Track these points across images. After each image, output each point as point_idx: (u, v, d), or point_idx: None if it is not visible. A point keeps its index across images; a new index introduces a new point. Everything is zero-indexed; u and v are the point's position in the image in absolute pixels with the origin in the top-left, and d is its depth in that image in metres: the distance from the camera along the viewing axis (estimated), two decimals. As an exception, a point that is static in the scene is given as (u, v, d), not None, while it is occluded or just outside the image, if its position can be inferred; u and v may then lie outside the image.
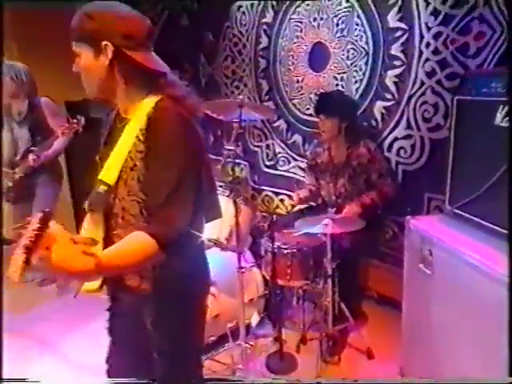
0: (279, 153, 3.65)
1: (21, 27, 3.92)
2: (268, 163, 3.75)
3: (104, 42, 1.28)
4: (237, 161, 3.56)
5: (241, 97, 2.52)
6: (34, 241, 1.02)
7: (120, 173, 1.32)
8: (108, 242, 1.34)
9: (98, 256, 1.14)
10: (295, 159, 3.56)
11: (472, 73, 2.28)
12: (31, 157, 3.23)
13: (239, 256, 2.35)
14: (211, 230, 2.40)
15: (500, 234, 1.71)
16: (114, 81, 1.34)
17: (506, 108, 1.67)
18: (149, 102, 1.32)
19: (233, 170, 2.37)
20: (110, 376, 1.74)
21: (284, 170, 3.64)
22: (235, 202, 2.29)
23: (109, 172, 1.34)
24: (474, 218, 1.87)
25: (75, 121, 3.04)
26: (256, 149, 3.83)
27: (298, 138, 3.52)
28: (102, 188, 1.33)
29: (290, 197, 3.54)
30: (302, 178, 3.43)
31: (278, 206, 3.66)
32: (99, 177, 1.35)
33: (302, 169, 3.45)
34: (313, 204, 3.19)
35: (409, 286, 2.14)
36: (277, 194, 3.71)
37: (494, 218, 1.76)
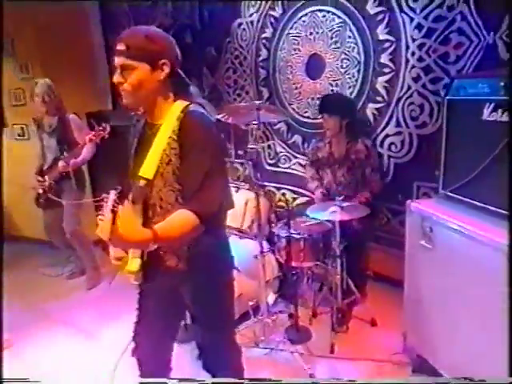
0: (280, 152, 3.75)
1: (44, 46, 3.98)
2: (270, 161, 3.86)
3: (162, 61, 1.43)
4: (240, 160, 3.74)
5: (258, 102, 2.66)
6: (115, 208, 1.18)
7: (157, 168, 1.45)
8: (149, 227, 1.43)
9: (154, 228, 1.31)
10: (295, 157, 3.65)
11: (460, 76, 2.42)
12: (61, 163, 3.30)
13: (261, 242, 2.49)
14: (235, 220, 2.52)
15: (488, 210, 1.87)
16: (159, 91, 1.49)
17: (492, 105, 1.84)
18: (177, 107, 1.48)
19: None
20: (134, 353, 1.84)
21: (285, 168, 3.73)
22: (257, 196, 2.42)
23: (147, 168, 1.46)
24: (465, 199, 2.01)
25: (101, 128, 3.13)
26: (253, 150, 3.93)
27: (297, 138, 3.62)
28: (142, 182, 1.46)
29: (292, 191, 3.69)
30: (302, 174, 3.53)
31: (280, 200, 3.77)
32: (139, 173, 1.47)
33: (302, 165, 3.54)
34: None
35: (410, 260, 2.26)
36: (279, 188, 3.80)
37: (482, 198, 1.91)
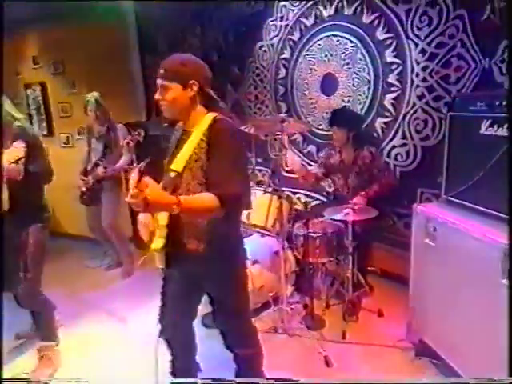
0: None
1: (90, 66, 4.19)
2: (286, 169, 3.97)
3: (191, 81, 1.61)
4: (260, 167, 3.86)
5: (282, 115, 2.80)
6: (140, 174, 1.31)
7: (186, 163, 1.61)
8: (173, 215, 1.54)
9: (179, 197, 1.42)
10: (310, 165, 3.74)
11: (461, 95, 2.53)
12: (100, 169, 3.46)
13: (283, 240, 2.62)
14: (260, 219, 2.65)
15: (485, 213, 1.98)
16: (191, 106, 1.67)
17: (489, 121, 1.95)
18: (208, 117, 1.65)
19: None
20: (161, 334, 1.96)
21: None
22: (280, 198, 2.55)
23: (178, 163, 1.63)
24: (465, 203, 2.13)
25: (136, 133, 3.31)
26: (276, 157, 4.06)
27: (312, 147, 3.74)
28: (172, 174, 1.63)
29: (306, 195, 3.80)
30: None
31: (295, 203, 3.86)
32: (171, 166, 1.64)
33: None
34: (325, 200, 3.45)
35: (416, 256, 2.36)
36: (294, 193, 3.88)
37: (480, 202, 2.03)
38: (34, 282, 2.45)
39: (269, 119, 3.06)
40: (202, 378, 1.96)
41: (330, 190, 3.45)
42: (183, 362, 2.10)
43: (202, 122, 1.65)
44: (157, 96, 1.67)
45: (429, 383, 2.21)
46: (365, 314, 2.91)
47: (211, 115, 1.66)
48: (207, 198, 1.50)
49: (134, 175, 1.35)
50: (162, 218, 1.64)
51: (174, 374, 2.13)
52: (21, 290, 2.40)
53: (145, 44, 4.53)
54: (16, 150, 2.16)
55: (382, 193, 2.94)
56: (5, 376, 2.46)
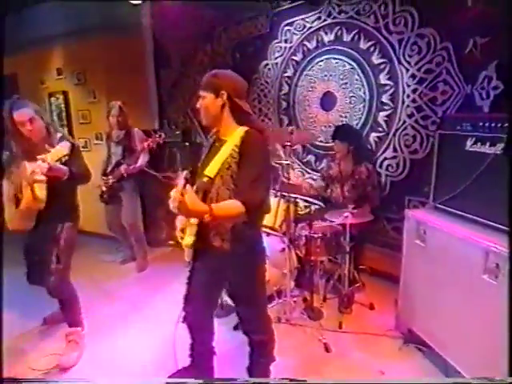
0: (296, 168, 3.98)
1: (109, 76, 4.29)
2: (286, 175, 4.09)
3: (222, 91, 1.71)
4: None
5: (291, 127, 2.95)
6: (185, 182, 1.44)
7: (218, 170, 1.72)
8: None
9: (211, 205, 1.55)
10: (308, 173, 3.90)
11: (449, 116, 2.70)
12: (123, 167, 3.54)
13: (289, 239, 2.75)
14: (269, 220, 2.76)
15: (468, 218, 2.15)
16: (222, 115, 1.77)
17: (474, 139, 2.12)
18: (241, 130, 1.75)
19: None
20: (185, 320, 2.07)
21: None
22: (287, 202, 2.69)
23: (211, 170, 1.73)
24: (451, 209, 2.29)
25: (157, 135, 3.42)
26: (277, 165, 4.18)
27: (311, 157, 3.86)
28: (205, 179, 1.74)
29: (304, 200, 3.90)
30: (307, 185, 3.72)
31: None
32: (204, 172, 1.74)
33: (314, 180, 3.78)
34: (323, 205, 3.57)
35: (407, 255, 2.51)
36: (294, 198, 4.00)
37: (464, 209, 2.19)
38: (64, 273, 2.53)
39: (279, 130, 3.20)
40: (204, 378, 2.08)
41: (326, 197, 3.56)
42: (201, 345, 2.20)
43: (235, 133, 1.74)
44: (197, 105, 1.80)
45: (430, 383, 2.24)
46: (358, 307, 3.03)
47: (243, 128, 1.74)
48: (234, 206, 1.60)
49: (180, 182, 1.48)
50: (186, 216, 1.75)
51: (192, 356, 2.25)
52: (52, 280, 2.47)
53: (159, 59, 4.64)
54: (61, 149, 2.20)
55: (372, 208, 3.10)
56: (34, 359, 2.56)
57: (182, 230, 1.85)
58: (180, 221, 1.87)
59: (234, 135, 1.74)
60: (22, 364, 2.50)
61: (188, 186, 1.50)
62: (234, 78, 1.80)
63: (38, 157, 2.15)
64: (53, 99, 4.64)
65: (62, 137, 2.47)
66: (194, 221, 1.75)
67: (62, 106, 4.62)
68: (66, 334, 2.61)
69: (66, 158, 2.23)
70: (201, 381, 2.04)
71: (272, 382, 2.08)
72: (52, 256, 2.45)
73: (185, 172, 1.54)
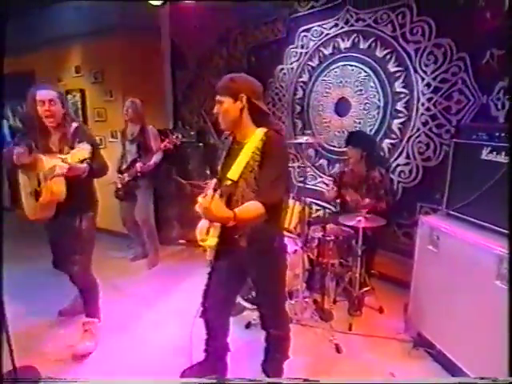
0: (308, 171, 4.00)
1: (126, 76, 4.39)
2: (299, 179, 4.15)
3: (241, 95, 1.77)
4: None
5: (308, 132, 3.02)
6: (215, 188, 1.52)
7: (241, 173, 1.77)
8: None
9: (235, 210, 1.62)
10: (321, 177, 3.97)
11: (465, 125, 2.76)
12: (139, 164, 3.62)
13: (303, 240, 2.81)
14: (284, 221, 2.83)
15: (481, 225, 2.20)
16: (241, 118, 1.81)
17: (489, 148, 2.18)
18: (260, 132, 1.80)
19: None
20: (202, 315, 2.15)
21: (312, 184, 3.99)
22: (302, 204, 2.76)
23: (233, 173, 1.78)
24: (464, 216, 2.34)
25: (175, 136, 3.49)
26: (290, 169, 4.25)
27: (323, 161, 3.93)
28: (228, 182, 1.78)
29: (315, 204, 3.96)
30: (324, 190, 3.78)
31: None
32: (228, 176, 1.79)
33: (326, 184, 3.84)
34: (334, 210, 3.62)
35: (419, 261, 2.56)
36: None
37: (477, 216, 2.24)
38: (86, 263, 2.61)
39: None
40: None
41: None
42: (216, 341, 2.27)
43: (254, 135, 1.78)
44: (215, 110, 1.84)
45: (436, 383, 2.30)
46: (367, 310, 3.09)
47: (262, 130, 1.78)
48: (256, 207, 1.66)
49: (210, 190, 1.56)
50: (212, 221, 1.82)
51: (206, 351, 2.31)
52: (75, 270, 2.55)
53: (176, 61, 4.74)
54: (82, 151, 2.24)
55: (385, 211, 3.09)
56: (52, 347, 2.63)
57: (207, 232, 1.91)
58: (202, 224, 1.93)
59: (253, 137, 1.78)
60: (38, 353, 2.57)
61: (216, 194, 1.58)
62: (250, 81, 1.84)
63: (59, 155, 2.22)
64: (69, 96, 4.73)
65: (78, 127, 2.50)
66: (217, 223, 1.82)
67: (79, 103, 4.72)
68: (82, 322, 2.68)
69: (88, 160, 2.29)
70: (214, 380, 2.15)
71: (285, 382, 2.13)
72: (73, 246, 2.53)
73: (214, 181, 1.61)
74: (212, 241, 1.81)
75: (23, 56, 5.22)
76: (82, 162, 2.27)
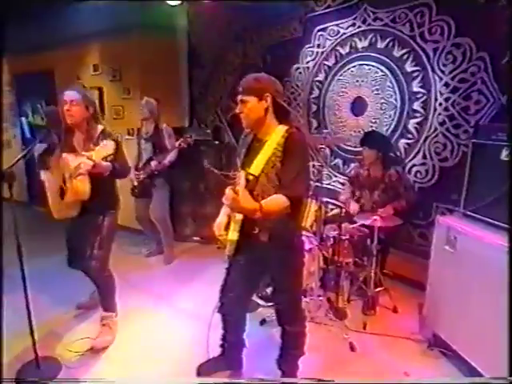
0: (323, 171, 4.00)
1: (143, 75, 4.45)
2: (315, 178, 4.16)
3: (266, 94, 1.80)
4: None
5: (326, 130, 3.04)
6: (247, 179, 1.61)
7: (263, 169, 1.81)
8: None
9: (261, 202, 1.66)
10: (336, 176, 3.98)
11: (484, 126, 2.73)
12: (154, 162, 3.68)
13: (318, 239, 2.84)
14: (300, 220, 2.86)
15: (500, 227, 2.18)
16: (265, 116, 1.85)
17: (510, 149, 2.17)
18: (281, 129, 1.84)
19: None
20: (220, 310, 2.19)
21: (327, 184, 3.98)
22: (321, 203, 2.79)
23: (256, 168, 1.83)
24: (482, 217, 2.33)
25: (188, 136, 3.55)
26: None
27: (338, 161, 3.94)
28: (250, 177, 1.83)
29: (330, 203, 3.98)
30: (339, 190, 3.82)
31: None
32: (249, 171, 1.83)
33: (341, 183, 3.88)
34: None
35: (435, 261, 2.56)
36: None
37: (496, 217, 2.22)
38: (104, 259, 2.67)
39: (314, 137, 3.31)
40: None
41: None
42: (233, 336, 2.32)
43: (275, 133, 1.82)
44: (237, 109, 1.87)
45: (464, 383, 2.28)
46: (381, 310, 3.10)
47: (283, 127, 1.82)
48: (281, 200, 1.71)
49: (241, 181, 1.60)
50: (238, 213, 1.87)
51: (223, 346, 2.36)
52: (94, 265, 2.61)
53: (193, 59, 4.79)
54: (106, 147, 2.30)
55: (406, 209, 3.11)
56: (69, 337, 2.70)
57: (225, 228, 1.96)
58: (220, 220, 1.98)
59: (274, 134, 1.82)
60: (57, 345, 2.65)
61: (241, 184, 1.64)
62: (274, 81, 1.88)
63: (83, 153, 2.29)
64: (88, 94, 4.82)
65: (104, 130, 2.58)
66: (238, 217, 1.86)
67: (97, 101, 4.77)
68: (101, 317, 2.75)
69: (111, 157, 2.35)
70: (227, 380, 2.19)
71: (300, 382, 2.16)
72: (94, 242, 2.59)
73: (243, 173, 1.66)
74: (233, 235, 1.87)
75: (42, 54, 5.34)
76: (106, 158, 2.33)
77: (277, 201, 1.71)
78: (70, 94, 2.47)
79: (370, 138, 3.27)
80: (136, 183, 3.78)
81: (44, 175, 2.61)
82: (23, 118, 6.31)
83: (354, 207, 3.29)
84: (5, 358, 2.39)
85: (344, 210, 2.99)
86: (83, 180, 2.37)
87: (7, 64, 6.23)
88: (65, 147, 2.51)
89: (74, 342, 2.67)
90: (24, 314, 2.24)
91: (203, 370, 2.37)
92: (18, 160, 2.31)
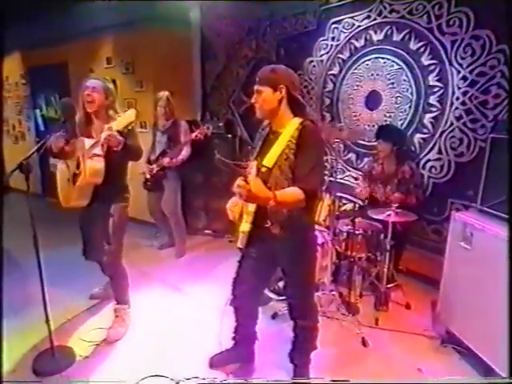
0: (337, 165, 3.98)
1: (156, 68, 4.47)
2: (326, 172, 4.12)
3: (280, 85, 1.80)
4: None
5: (340, 124, 3.02)
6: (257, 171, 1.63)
7: (276, 161, 1.81)
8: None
9: (275, 192, 1.65)
10: (349, 170, 3.95)
11: (503, 121, 2.70)
12: (166, 159, 3.69)
13: (332, 233, 2.83)
14: (313, 214, 2.85)
15: None
16: (279, 107, 1.85)
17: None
18: (295, 122, 1.84)
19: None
20: (232, 303, 2.20)
21: (340, 178, 3.89)
22: (334, 197, 2.77)
23: (269, 160, 1.83)
24: (499, 213, 2.29)
25: (206, 127, 3.55)
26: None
27: (352, 155, 3.91)
28: (264, 169, 1.83)
29: (343, 197, 3.93)
30: (352, 184, 3.79)
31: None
32: (263, 163, 1.84)
33: (354, 178, 3.86)
34: (362, 204, 3.60)
35: (449, 258, 2.54)
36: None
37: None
38: (116, 252, 2.69)
39: (331, 128, 3.28)
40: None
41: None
42: (245, 328, 2.33)
43: (289, 125, 1.83)
44: (253, 99, 1.89)
45: (483, 383, 2.25)
46: (394, 306, 3.08)
47: (297, 120, 1.83)
48: (296, 192, 1.71)
49: (253, 171, 1.60)
50: (251, 205, 1.87)
51: (235, 339, 2.37)
52: (105, 258, 2.65)
53: (206, 53, 4.79)
54: (128, 115, 2.32)
55: (414, 205, 3.08)
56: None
57: (239, 218, 1.96)
58: (232, 211, 1.98)
59: (289, 127, 1.82)
60: (71, 335, 2.69)
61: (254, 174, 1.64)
62: (290, 73, 1.89)
63: (106, 126, 2.30)
64: (101, 87, 4.85)
65: None
66: (251, 209, 1.86)
67: (111, 93, 4.82)
68: (114, 309, 2.79)
69: (133, 125, 2.35)
70: (242, 381, 2.20)
71: (313, 381, 2.17)
72: (105, 235, 2.61)
73: (254, 163, 1.65)
74: (245, 226, 1.87)
75: (56, 48, 5.39)
76: (127, 127, 2.31)
77: (292, 193, 1.71)
78: (92, 82, 2.53)
79: (386, 131, 3.24)
80: (148, 176, 3.80)
81: (58, 166, 2.65)
82: (37, 111, 6.39)
83: (364, 192, 3.28)
84: (23, 347, 2.46)
85: (357, 205, 2.97)
86: (98, 160, 2.40)
87: (22, 57, 6.31)
88: (81, 134, 2.53)
89: (87, 333, 2.71)
90: (38, 303, 2.28)
91: (215, 361, 2.39)
92: (34, 152, 2.34)
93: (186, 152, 3.76)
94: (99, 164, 2.41)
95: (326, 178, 3.04)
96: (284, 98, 1.82)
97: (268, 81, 1.82)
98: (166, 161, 3.68)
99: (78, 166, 2.52)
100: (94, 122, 2.56)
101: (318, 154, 1.82)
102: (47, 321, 2.33)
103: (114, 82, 4.77)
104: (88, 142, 2.42)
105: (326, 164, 1.92)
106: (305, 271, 2.00)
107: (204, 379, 2.20)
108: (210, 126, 3.45)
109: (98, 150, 2.35)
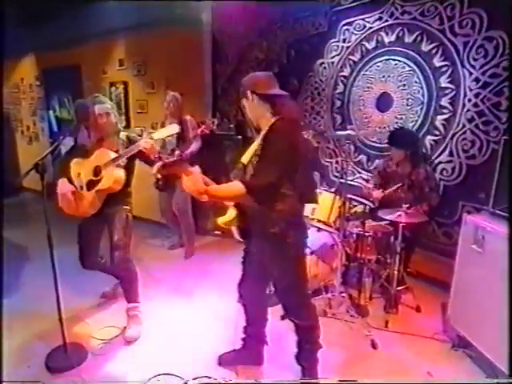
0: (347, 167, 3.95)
1: (168, 69, 4.53)
2: (336, 174, 4.13)
3: (247, 92, 1.90)
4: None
5: (350, 126, 3.02)
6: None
7: (250, 158, 1.87)
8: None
9: (207, 188, 1.75)
10: (360, 172, 3.93)
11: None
12: (177, 152, 3.72)
13: (343, 234, 2.83)
14: (323, 215, 2.85)
15: None
16: (258, 111, 1.90)
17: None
18: (271, 120, 1.85)
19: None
20: (239, 300, 2.23)
21: (350, 180, 3.84)
22: (345, 199, 2.78)
23: (245, 157, 1.91)
24: (509, 216, 2.25)
25: (211, 121, 3.56)
26: (327, 163, 4.25)
27: (363, 157, 3.90)
28: (240, 166, 1.91)
29: (353, 199, 3.93)
30: (362, 186, 3.74)
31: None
32: (241, 159, 1.92)
33: (365, 179, 3.84)
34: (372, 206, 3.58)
35: (461, 261, 2.52)
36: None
37: None
38: (124, 253, 2.73)
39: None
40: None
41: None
42: (253, 329, 2.34)
43: (266, 124, 1.86)
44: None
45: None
46: (404, 309, 3.07)
47: (274, 118, 1.84)
48: (233, 188, 1.75)
49: (195, 168, 1.77)
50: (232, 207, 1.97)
51: (244, 340, 2.39)
52: (115, 257, 2.69)
53: (217, 55, 4.82)
54: (172, 127, 2.48)
55: (428, 212, 3.06)
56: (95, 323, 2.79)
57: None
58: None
59: (264, 127, 1.87)
60: (83, 333, 2.74)
61: (195, 168, 1.78)
62: (252, 75, 1.99)
63: (148, 131, 2.43)
64: (113, 88, 4.94)
65: (128, 136, 2.78)
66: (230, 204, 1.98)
67: (122, 95, 4.91)
68: (126, 308, 2.82)
69: (169, 138, 2.50)
70: (252, 381, 2.21)
71: (322, 381, 2.16)
72: (112, 237, 2.69)
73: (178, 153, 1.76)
74: (227, 216, 1.98)
75: (69, 50, 5.48)
76: (166, 137, 2.58)
77: (228, 187, 1.79)
78: (103, 107, 2.61)
79: (398, 138, 3.19)
80: (160, 176, 3.83)
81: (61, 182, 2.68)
82: (50, 112, 6.50)
83: (376, 194, 3.22)
84: (35, 343, 2.51)
85: (368, 207, 2.96)
86: (121, 169, 2.56)
87: (37, 59, 6.43)
88: (98, 144, 2.65)
89: (99, 330, 2.75)
90: (52, 300, 2.33)
91: (224, 360, 2.42)
92: (48, 153, 2.40)
93: (194, 146, 3.77)
94: (122, 172, 2.58)
95: (336, 179, 3.03)
96: (255, 100, 1.88)
97: (241, 93, 1.94)
98: (176, 154, 3.70)
99: (96, 174, 2.59)
100: (104, 144, 2.67)
101: (277, 151, 1.76)
102: (60, 318, 2.37)
103: (126, 83, 4.89)
104: (112, 154, 2.55)
105: (289, 162, 1.81)
106: (291, 275, 1.95)
107: (211, 378, 2.22)
108: (215, 121, 3.46)
109: (143, 145, 2.45)
